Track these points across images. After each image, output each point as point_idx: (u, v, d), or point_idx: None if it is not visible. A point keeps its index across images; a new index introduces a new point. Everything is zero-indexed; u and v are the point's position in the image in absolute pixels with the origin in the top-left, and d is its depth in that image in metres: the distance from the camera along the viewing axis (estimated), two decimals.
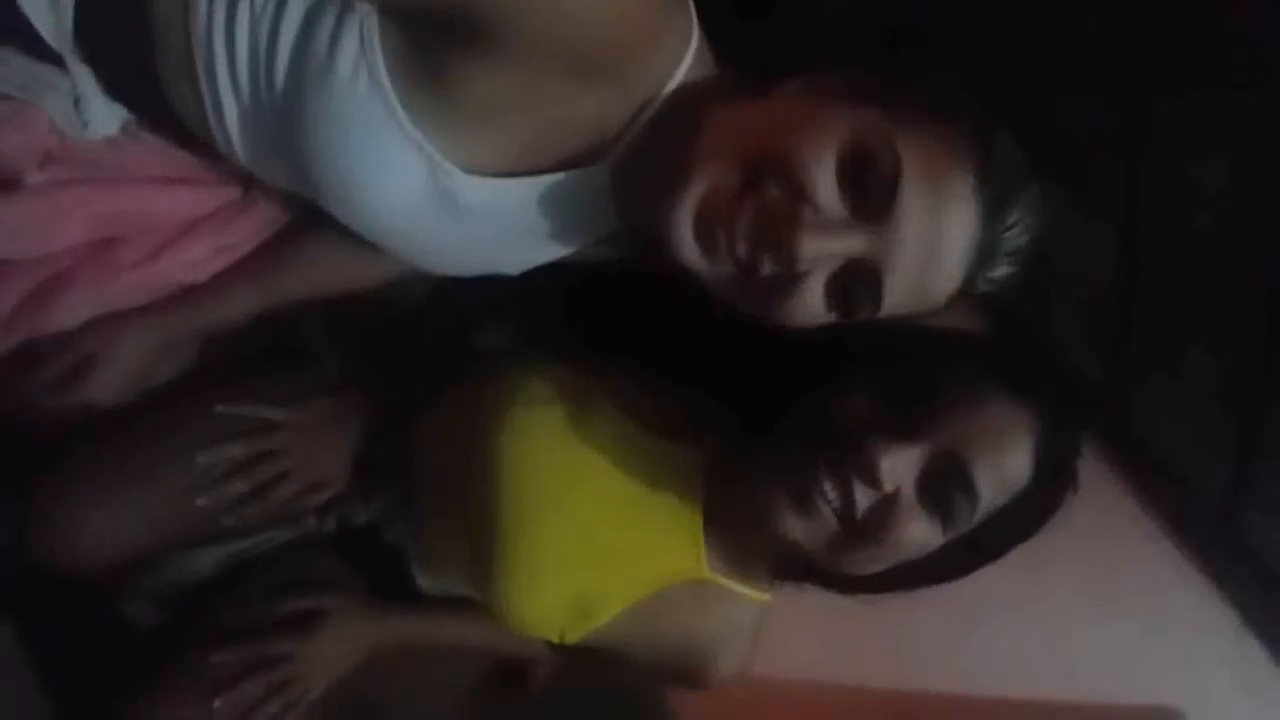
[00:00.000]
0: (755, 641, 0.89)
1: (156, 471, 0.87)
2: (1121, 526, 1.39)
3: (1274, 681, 1.35)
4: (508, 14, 0.60)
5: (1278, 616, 1.36)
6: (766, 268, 0.64)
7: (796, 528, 0.72)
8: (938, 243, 0.64)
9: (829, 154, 0.63)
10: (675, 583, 0.83)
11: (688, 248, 0.66)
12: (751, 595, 0.86)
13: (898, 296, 0.66)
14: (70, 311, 0.86)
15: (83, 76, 0.79)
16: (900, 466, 0.68)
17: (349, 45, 0.67)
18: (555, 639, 0.85)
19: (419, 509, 0.92)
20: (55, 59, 0.78)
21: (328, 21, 0.68)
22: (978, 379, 0.71)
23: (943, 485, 0.69)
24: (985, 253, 0.65)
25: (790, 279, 0.64)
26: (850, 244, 0.63)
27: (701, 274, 0.68)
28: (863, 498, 0.69)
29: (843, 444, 0.70)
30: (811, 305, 0.66)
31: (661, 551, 0.83)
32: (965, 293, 0.68)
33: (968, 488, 0.69)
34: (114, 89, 0.81)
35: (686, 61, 0.69)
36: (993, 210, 0.64)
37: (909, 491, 0.69)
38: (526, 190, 0.74)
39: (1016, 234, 0.67)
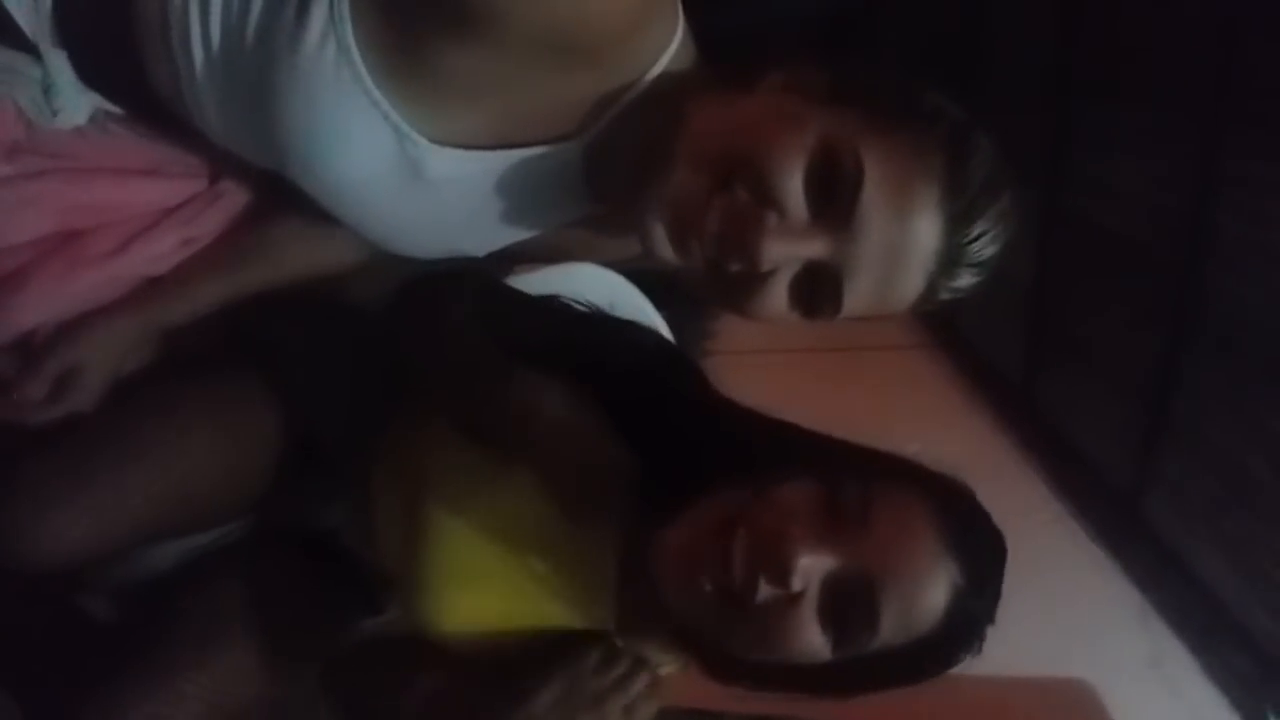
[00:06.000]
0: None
1: (121, 469, 0.84)
2: (1032, 509, 1.50)
3: (1176, 654, 1.44)
4: None
5: (1180, 594, 1.44)
6: (733, 266, 0.66)
7: (681, 594, 0.69)
8: (899, 251, 0.65)
9: (798, 160, 0.64)
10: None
11: (661, 244, 0.68)
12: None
13: (858, 300, 0.67)
14: (35, 305, 0.85)
15: (56, 63, 0.78)
16: (813, 570, 0.65)
17: (317, 14, 0.67)
18: None
19: (370, 522, 0.89)
20: (27, 47, 0.77)
21: None
22: (924, 515, 0.68)
23: (845, 605, 0.66)
24: (948, 262, 0.66)
25: (755, 278, 0.66)
26: (811, 248, 0.65)
27: (673, 267, 0.71)
28: (765, 588, 0.65)
29: (765, 526, 0.66)
30: (775, 303, 0.68)
31: (574, 608, 0.80)
32: (928, 298, 0.69)
33: (871, 617, 0.65)
34: (88, 71, 0.79)
35: (670, 50, 0.70)
36: (958, 222, 0.65)
37: (812, 597, 0.66)
38: (494, 164, 0.74)
39: (982, 245, 0.67)
